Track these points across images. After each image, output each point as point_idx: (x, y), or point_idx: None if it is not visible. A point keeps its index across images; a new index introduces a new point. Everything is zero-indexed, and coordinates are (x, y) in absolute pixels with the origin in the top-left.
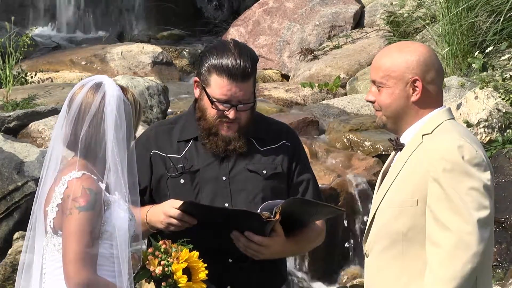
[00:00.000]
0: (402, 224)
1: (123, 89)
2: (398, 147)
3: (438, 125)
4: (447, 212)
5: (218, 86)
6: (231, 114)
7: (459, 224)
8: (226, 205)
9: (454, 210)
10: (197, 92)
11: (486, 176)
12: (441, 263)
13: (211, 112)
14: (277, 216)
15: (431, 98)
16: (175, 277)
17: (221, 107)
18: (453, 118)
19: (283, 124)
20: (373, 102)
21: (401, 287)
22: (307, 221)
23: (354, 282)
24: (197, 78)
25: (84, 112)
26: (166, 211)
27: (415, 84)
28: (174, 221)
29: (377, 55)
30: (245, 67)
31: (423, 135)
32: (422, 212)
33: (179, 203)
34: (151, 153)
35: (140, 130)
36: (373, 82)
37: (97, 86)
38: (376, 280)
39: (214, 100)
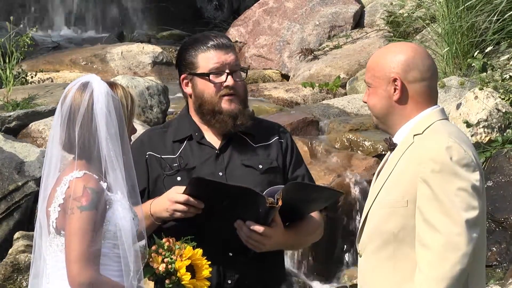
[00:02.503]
0: (393, 224)
1: (112, 84)
2: (391, 147)
3: (429, 126)
4: (436, 213)
5: (208, 59)
6: (229, 81)
7: (448, 225)
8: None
9: (443, 211)
10: (188, 88)
11: (475, 176)
12: (430, 264)
13: (209, 90)
14: (280, 202)
15: (418, 98)
16: (178, 274)
17: (217, 79)
18: (446, 119)
19: (274, 123)
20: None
21: (393, 287)
22: (306, 209)
23: (354, 282)
24: (183, 75)
25: (75, 113)
26: (171, 197)
27: (395, 83)
28: (180, 206)
29: (370, 57)
30: (226, 41)
31: (414, 135)
32: (412, 213)
33: (183, 188)
34: (147, 155)
35: (140, 130)
36: (366, 83)
37: (84, 86)
38: (369, 280)
39: (208, 73)
